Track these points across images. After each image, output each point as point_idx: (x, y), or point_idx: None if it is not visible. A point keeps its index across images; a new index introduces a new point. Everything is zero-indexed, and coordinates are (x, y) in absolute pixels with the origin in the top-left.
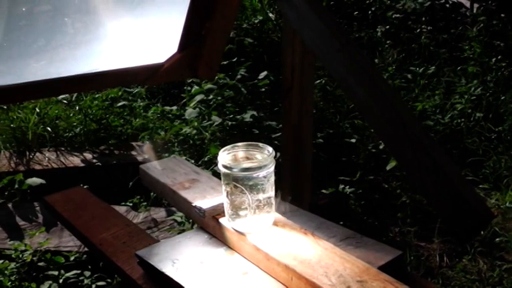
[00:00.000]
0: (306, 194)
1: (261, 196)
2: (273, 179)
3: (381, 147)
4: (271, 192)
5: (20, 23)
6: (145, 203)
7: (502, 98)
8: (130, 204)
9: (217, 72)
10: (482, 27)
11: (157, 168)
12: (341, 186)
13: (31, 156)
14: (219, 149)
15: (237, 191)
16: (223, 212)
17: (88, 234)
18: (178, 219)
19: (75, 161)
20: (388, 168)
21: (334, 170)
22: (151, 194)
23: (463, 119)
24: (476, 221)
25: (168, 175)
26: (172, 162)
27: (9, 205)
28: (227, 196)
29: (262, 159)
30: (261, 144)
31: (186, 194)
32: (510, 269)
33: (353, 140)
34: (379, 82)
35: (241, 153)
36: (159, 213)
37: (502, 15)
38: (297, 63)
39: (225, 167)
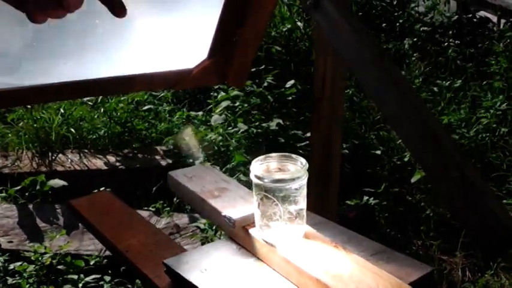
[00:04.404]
0: (333, 205)
1: (292, 208)
2: (305, 191)
3: (405, 159)
4: (303, 204)
5: (50, 23)
6: (168, 208)
7: None
8: (153, 209)
9: (246, 79)
10: (509, 43)
11: (186, 175)
12: (365, 198)
13: (53, 157)
14: (244, 157)
15: (269, 202)
16: (253, 222)
17: (114, 240)
18: (202, 226)
19: (98, 163)
20: (412, 180)
21: (359, 181)
22: (174, 199)
23: (488, 134)
24: (507, 237)
25: (197, 182)
26: (200, 170)
27: (30, 206)
28: (258, 207)
29: (295, 171)
30: (294, 156)
31: (215, 203)
32: None
33: (378, 152)
34: (411, 95)
35: (273, 164)
36: (182, 219)
37: None
38: (328, 73)
39: (257, 177)
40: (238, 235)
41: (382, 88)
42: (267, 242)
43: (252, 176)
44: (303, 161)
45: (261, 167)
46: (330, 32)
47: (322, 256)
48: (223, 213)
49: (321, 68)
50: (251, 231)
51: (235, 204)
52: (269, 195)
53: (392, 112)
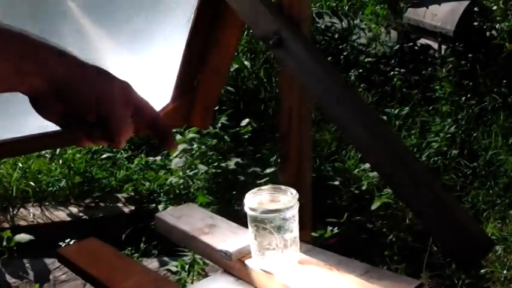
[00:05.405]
0: (306, 238)
1: (287, 236)
2: (297, 219)
3: (363, 188)
4: (296, 231)
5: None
6: (136, 254)
7: (474, 134)
8: None
9: (211, 120)
10: (451, 68)
11: (173, 215)
12: (329, 228)
13: (15, 212)
14: (207, 197)
15: (265, 232)
16: (248, 254)
17: (111, 284)
18: (173, 268)
19: (61, 215)
20: (373, 208)
21: (320, 213)
22: (142, 245)
23: (439, 157)
24: (479, 249)
25: (185, 221)
26: (187, 209)
27: None
28: (255, 238)
29: (287, 201)
30: (283, 187)
31: (207, 239)
32: None
33: (336, 183)
34: (379, 123)
35: (266, 196)
36: (152, 264)
37: (469, 55)
38: (295, 108)
39: (251, 209)
40: (235, 267)
41: (352, 119)
42: (264, 271)
43: (246, 209)
44: (293, 191)
45: (254, 199)
46: (295, 69)
47: (320, 278)
48: (218, 248)
49: (286, 103)
50: (247, 262)
51: (226, 239)
52: (265, 226)
53: (363, 140)
